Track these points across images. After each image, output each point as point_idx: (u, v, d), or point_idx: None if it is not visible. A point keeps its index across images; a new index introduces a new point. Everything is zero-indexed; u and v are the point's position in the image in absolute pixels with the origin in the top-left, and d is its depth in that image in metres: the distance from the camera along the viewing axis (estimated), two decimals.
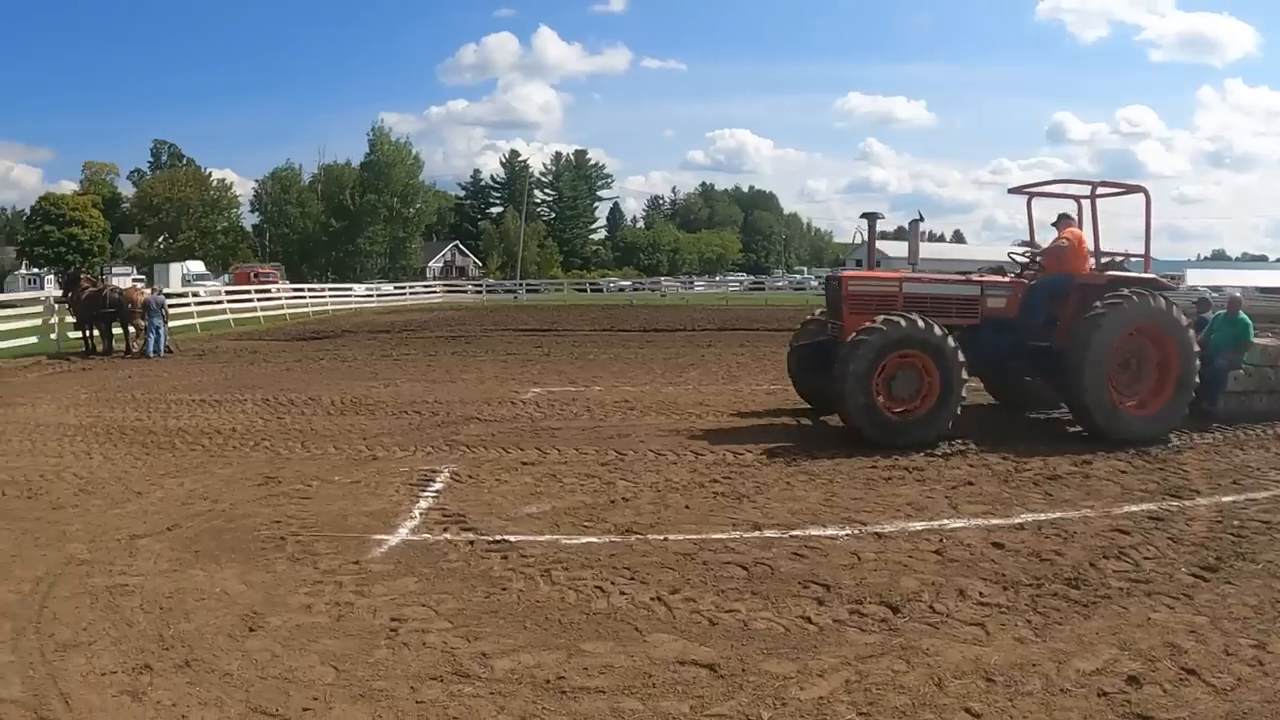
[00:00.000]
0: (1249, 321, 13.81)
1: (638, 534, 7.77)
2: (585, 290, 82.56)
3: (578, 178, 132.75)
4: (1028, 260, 13.40)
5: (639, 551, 7.35)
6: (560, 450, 11.20)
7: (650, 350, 25.64)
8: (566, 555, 7.30)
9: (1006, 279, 12.94)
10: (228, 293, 44.78)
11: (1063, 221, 12.97)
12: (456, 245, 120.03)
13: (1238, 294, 17.94)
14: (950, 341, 11.35)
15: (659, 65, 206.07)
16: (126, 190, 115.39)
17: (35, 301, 29.99)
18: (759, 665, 5.26)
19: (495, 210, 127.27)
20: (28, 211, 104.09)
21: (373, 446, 11.68)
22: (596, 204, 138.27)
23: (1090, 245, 12.97)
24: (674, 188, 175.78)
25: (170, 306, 27.40)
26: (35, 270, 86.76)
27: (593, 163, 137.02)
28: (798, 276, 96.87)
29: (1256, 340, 13.82)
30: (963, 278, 13.01)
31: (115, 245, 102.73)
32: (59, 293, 29.13)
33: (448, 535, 7.91)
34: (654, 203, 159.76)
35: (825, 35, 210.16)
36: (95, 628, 6.03)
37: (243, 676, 5.30)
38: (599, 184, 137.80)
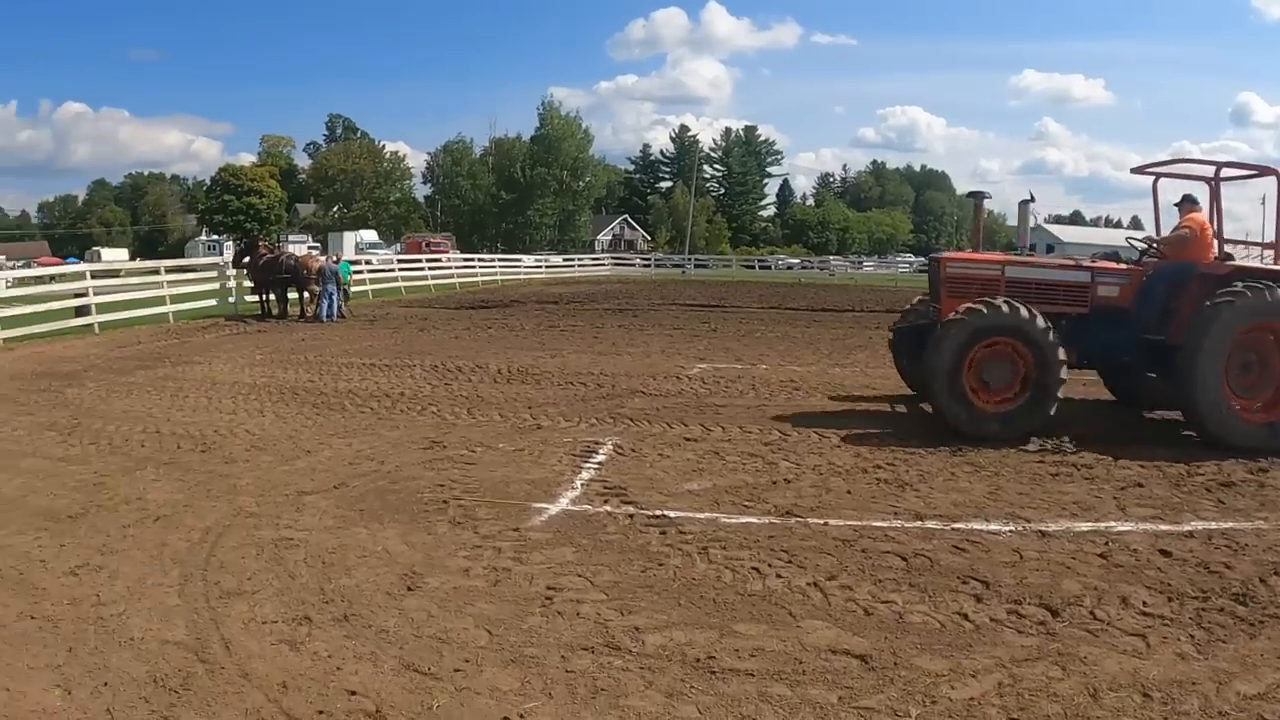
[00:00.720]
0: None
1: (798, 517, 7.66)
2: (753, 267, 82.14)
3: (747, 154, 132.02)
4: (1146, 247, 12.44)
5: (798, 535, 7.24)
6: (724, 428, 11.14)
7: (817, 330, 25.28)
8: (725, 534, 7.25)
9: (1121, 266, 12.04)
10: (399, 261, 46.27)
11: (1185, 205, 11.96)
12: (625, 219, 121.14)
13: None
14: (1048, 330, 10.77)
15: (829, 40, 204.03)
16: (302, 162, 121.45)
17: (214, 266, 31.58)
18: (911, 660, 5.11)
19: (664, 185, 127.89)
20: (208, 182, 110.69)
21: (537, 416, 11.86)
22: (766, 180, 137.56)
23: (1216, 232, 11.77)
24: (844, 165, 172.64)
25: (354, 273, 28.50)
26: (215, 237, 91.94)
27: (762, 139, 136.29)
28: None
29: None
30: (1073, 262, 12.30)
31: (291, 214, 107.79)
32: (231, 258, 30.55)
33: (608, 507, 7.96)
34: (824, 180, 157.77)
35: (1000, 10, 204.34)
36: (259, 578, 6.30)
37: (398, 634, 5.43)
38: (769, 160, 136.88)
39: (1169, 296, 11.29)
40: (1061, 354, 10.74)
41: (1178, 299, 11.18)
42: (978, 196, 12.81)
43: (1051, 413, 10.82)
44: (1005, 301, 10.94)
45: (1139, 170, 13.03)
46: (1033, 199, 13.63)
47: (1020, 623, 5.61)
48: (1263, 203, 11.72)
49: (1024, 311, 10.77)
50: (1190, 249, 11.53)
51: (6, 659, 5.14)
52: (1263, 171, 12.01)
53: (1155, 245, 12.29)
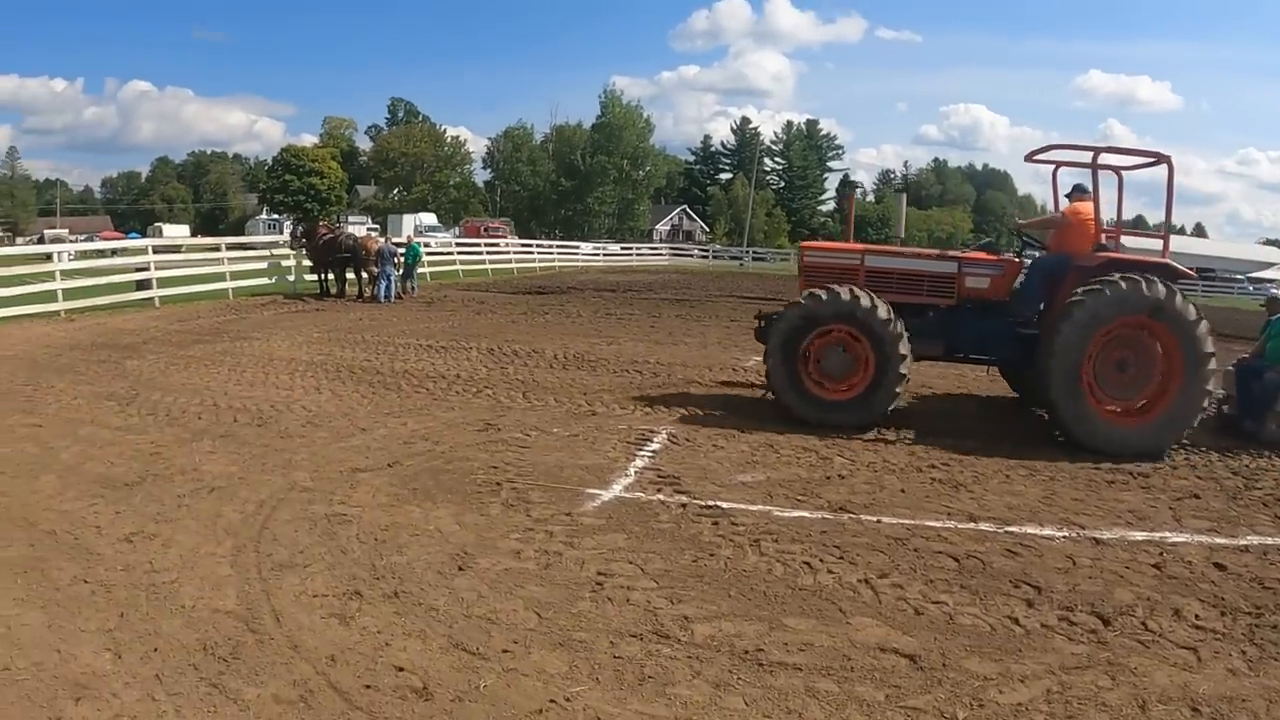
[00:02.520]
0: None
1: (851, 513, 7.62)
2: None
3: (808, 147, 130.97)
4: (1026, 238, 12.34)
5: (850, 531, 7.20)
6: (778, 421, 11.05)
7: None
8: (777, 527, 7.22)
9: (992, 257, 11.73)
10: (457, 245, 46.56)
11: (1075, 194, 11.62)
12: (684, 209, 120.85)
13: (1277, 292, 15.11)
14: (888, 320, 10.61)
15: (894, 36, 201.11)
16: (363, 144, 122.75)
17: (274, 245, 31.97)
18: (960, 662, 5.07)
19: (724, 176, 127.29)
20: (270, 161, 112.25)
21: (592, 402, 11.88)
22: (826, 175, 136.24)
23: (1107, 222, 11.47)
24: (905, 162, 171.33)
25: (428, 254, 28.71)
26: (275, 216, 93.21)
27: (824, 133, 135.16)
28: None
29: None
30: (939, 253, 12.17)
31: (351, 196, 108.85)
32: (287, 237, 30.92)
33: (660, 496, 7.96)
34: (884, 177, 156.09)
35: (1066, 8, 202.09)
36: (311, 552, 6.38)
37: (448, 612, 5.48)
38: (829, 155, 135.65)
39: (1047, 289, 11.09)
40: (903, 345, 10.62)
41: (1055, 292, 10.96)
42: (849, 188, 12.62)
43: (891, 404, 10.84)
44: (847, 289, 10.81)
45: (1030, 158, 12.50)
46: (906, 188, 13.41)
47: (1071, 630, 5.55)
48: None
49: (863, 300, 10.66)
50: (1068, 238, 11.31)
51: (59, 621, 5.25)
52: (1158, 159, 11.55)
53: (1023, 234, 12.32)
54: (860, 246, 12.29)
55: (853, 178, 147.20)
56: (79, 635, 5.09)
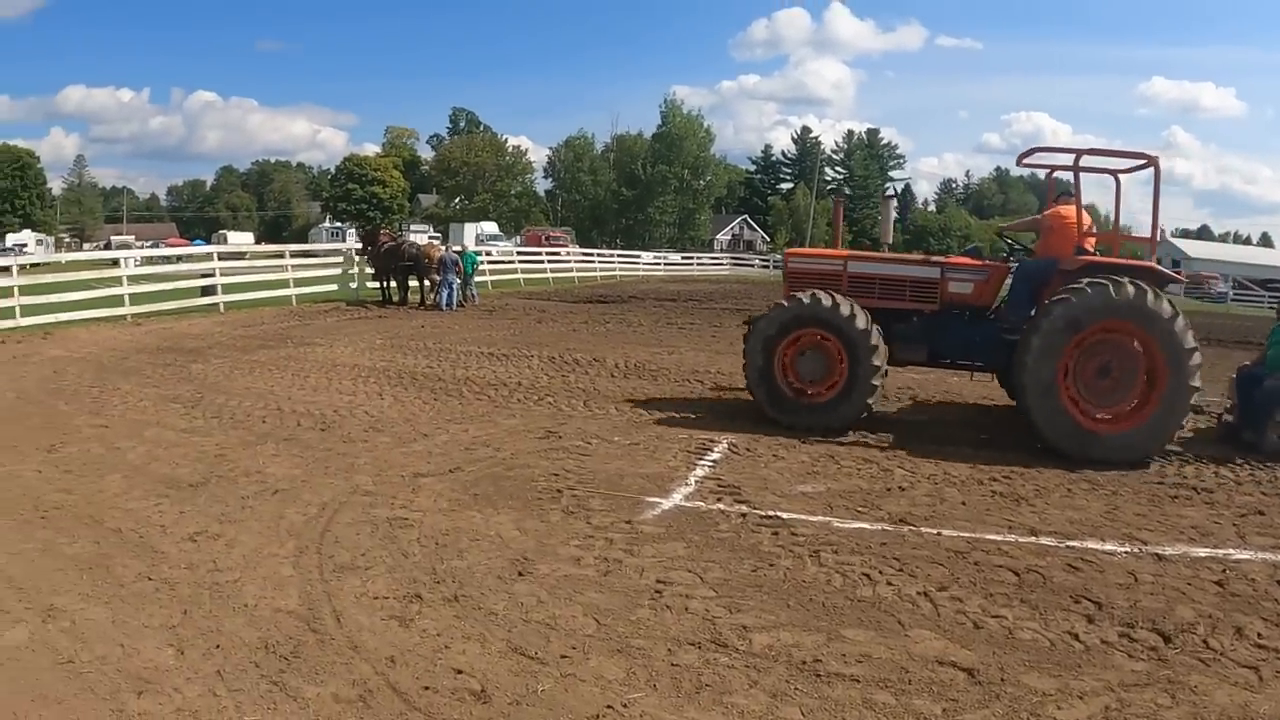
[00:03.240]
0: None
1: (911, 525, 7.57)
2: None
3: (869, 157, 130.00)
4: (1015, 244, 12.23)
5: (910, 543, 7.15)
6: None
7: None
8: (837, 538, 7.18)
9: (976, 263, 11.70)
10: (519, 253, 46.83)
11: (1062, 197, 11.57)
12: (745, 219, 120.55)
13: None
14: (863, 325, 10.77)
15: (954, 44, 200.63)
16: (425, 154, 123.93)
17: (336, 252, 32.39)
18: (1018, 677, 5.01)
19: (785, 186, 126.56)
20: (333, 170, 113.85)
21: (653, 411, 11.89)
22: (888, 185, 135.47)
23: (1102, 224, 11.14)
24: (967, 171, 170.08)
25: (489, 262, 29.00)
26: (338, 224, 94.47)
27: (885, 142, 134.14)
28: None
29: None
30: (921, 258, 12.20)
31: (413, 204, 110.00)
32: (358, 246, 31.28)
33: (721, 505, 7.95)
34: (946, 186, 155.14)
35: (1128, 15, 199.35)
36: (372, 555, 6.46)
37: (507, 617, 5.51)
38: (890, 164, 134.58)
39: (1034, 294, 10.95)
40: (878, 352, 10.76)
41: (1042, 297, 10.80)
42: (838, 194, 12.54)
43: (864, 409, 10.96)
44: (824, 294, 10.99)
45: (1020, 161, 12.42)
46: (896, 194, 13.39)
47: (1131, 646, 5.46)
48: None
49: (839, 305, 10.84)
50: (1053, 243, 11.17)
51: (124, 617, 5.38)
52: (1145, 160, 11.30)
53: (1008, 238, 12.31)
54: (844, 253, 12.30)
55: (914, 186, 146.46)
56: (142, 631, 5.20)
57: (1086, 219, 11.39)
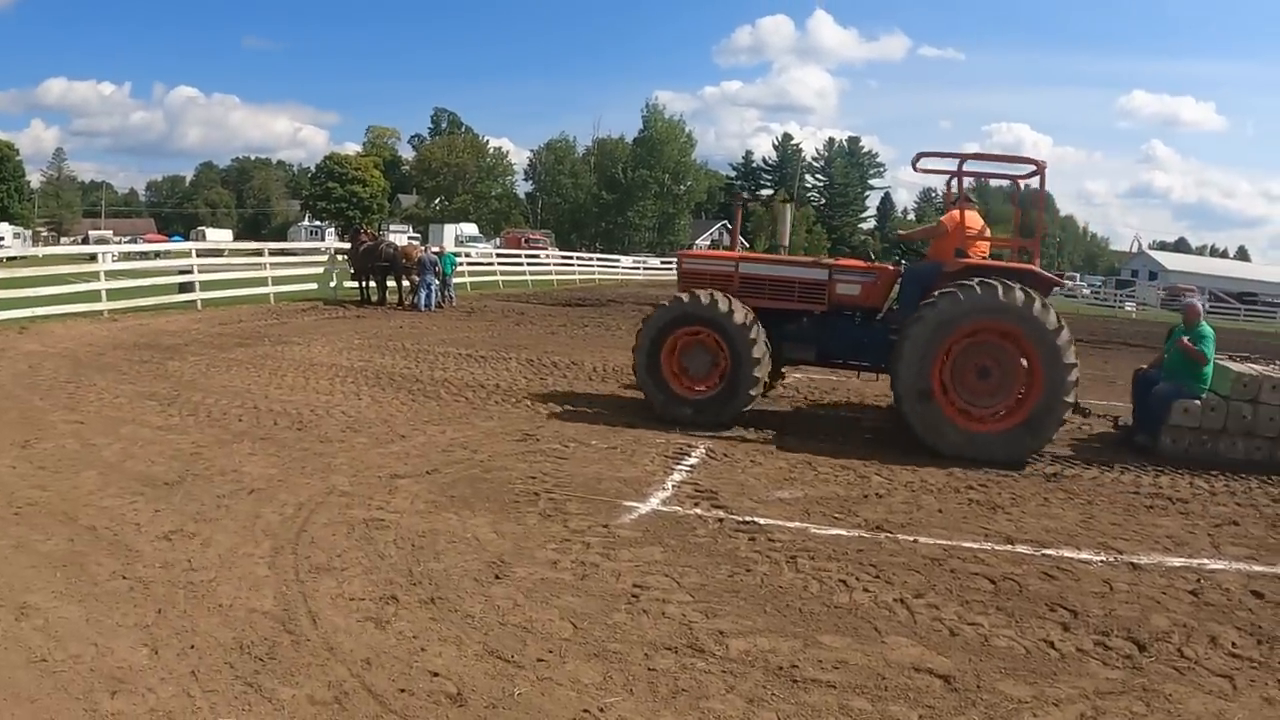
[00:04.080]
0: (1208, 335, 11.35)
1: (888, 532, 7.60)
2: None
3: (850, 165, 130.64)
4: (906, 246, 12.68)
5: (887, 550, 7.18)
6: (817, 437, 11.06)
7: None
8: (814, 544, 7.20)
9: (863, 264, 12.05)
10: (498, 255, 46.78)
11: (960, 202, 11.84)
12: (725, 224, 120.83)
13: (1194, 299, 14.78)
14: (745, 323, 11.18)
15: (937, 54, 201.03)
16: (406, 153, 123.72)
17: (316, 251, 32.26)
18: (995, 684, 5.04)
19: (765, 192, 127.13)
20: (313, 169, 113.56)
21: (631, 415, 11.86)
22: (868, 193, 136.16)
23: (995, 229, 11.56)
24: (948, 180, 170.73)
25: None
26: (317, 223, 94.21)
27: (865, 150, 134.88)
28: (1068, 283, 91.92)
29: (1232, 366, 11.43)
30: (811, 260, 12.61)
31: (393, 204, 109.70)
32: (345, 245, 31.15)
33: (698, 510, 7.96)
34: (926, 195, 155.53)
35: (1110, 28, 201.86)
36: (348, 556, 6.44)
37: (484, 620, 5.51)
38: (871, 172, 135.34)
39: (921, 297, 11.05)
40: (758, 349, 11.15)
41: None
42: (738, 199, 12.91)
43: (746, 404, 11.34)
44: (705, 293, 11.44)
45: (915, 167, 12.39)
46: (791, 199, 13.82)
47: (1106, 655, 5.52)
48: None
49: (718, 302, 11.27)
50: (943, 247, 11.46)
51: (97, 616, 5.34)
52: (1034, 167, 11.63)
53: (900, 239, 12.73)
54: (735, 255, 12.64)
55: (894, 195, 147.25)
56: (116, 630, 5.16)
57: (979, 223, 11.82)
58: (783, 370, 13.58)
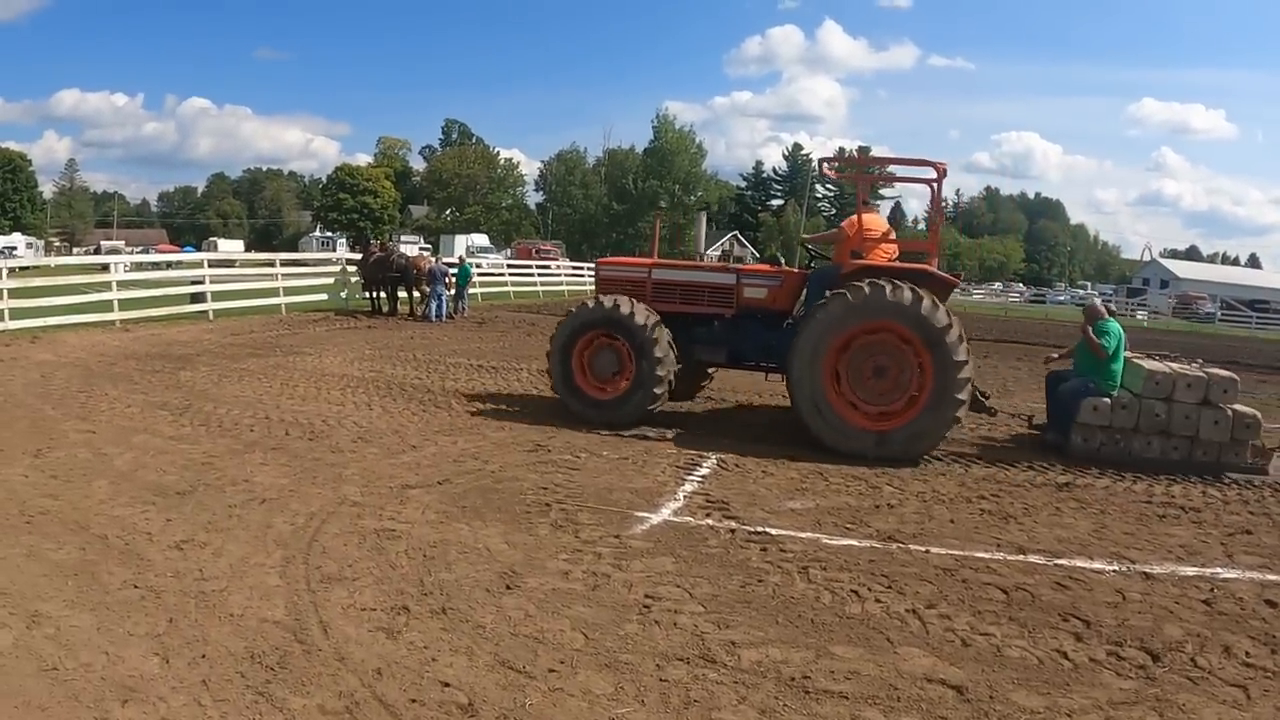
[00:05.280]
0: (1111, 332, 11.37)
1: (899, 542, 7.58)
2: None
3: (860, 174, 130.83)
4: (812, 251, 13.00)
5: (899, 560, 7.16)
6: (828, 448, 10.94)
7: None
8: (826, 555, 7.19)
9: (770, 269, 12.44)
10: (509, 266, 46.89)
11: (866, 207, 12.18)
12: (735, 235, 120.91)
13: (1097, 298, 14.73)
14: (647, 327, 11.62)
15: (946, 64, 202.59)
16: (417, 164, 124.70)
17: (327, 261, 32.36)
18: (1007, 695, 5.01)
19: (775, 202, 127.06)
20: (324, 180, 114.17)
21: (642, 425, 11.83)
22: (878, 203, 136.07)
23: (908, 232, 11.78)
24: (958, 190, 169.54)
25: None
26: (329, 234, 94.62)
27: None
28: (1080, 291, 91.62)
29: (1145, 364, 11.42)
30: (720, 265, 12.87)
31: (404, 215, 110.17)
32: (357, 256, 31.20)
33: (709, 521, 7.95)
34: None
35: (1120, 36, 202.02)
36: (360, 566, 6.43)
37: (495, 630, 5.49)
38: (881, 182, 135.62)
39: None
40: (660, 349, 11.56)
41: None
42: (659, 212, 13.11)
43: (651, 405, 11.72)
44: (610, 298, 12.03)
45: (822, 172, 13.32)
46: (706, 207, 14.09)
47: (1120, 665, 5.48)
48: None
49: (621, 306, 11.77)
50: (844, 251, 11.83)
51: (109, 625, 5.34)
52: (934, 173, 11.79)
53: (808, 247, 13.01)
54: (649, 261, 12.97)
55: (904, 204, 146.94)
56: (128, 639, 5.16)
57: (882, 227, 12.32)
58: (709, 372, 14.11)
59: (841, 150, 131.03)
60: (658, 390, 11.63)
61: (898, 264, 11.52)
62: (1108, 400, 10.98)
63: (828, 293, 10.96)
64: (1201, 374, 10.91)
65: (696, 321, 12.22)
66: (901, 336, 10.61)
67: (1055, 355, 12.98)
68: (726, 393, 14.94)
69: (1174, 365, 11.48)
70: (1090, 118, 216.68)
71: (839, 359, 10.84)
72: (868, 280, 10.70)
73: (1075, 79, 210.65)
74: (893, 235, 12.24)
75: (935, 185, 11.73)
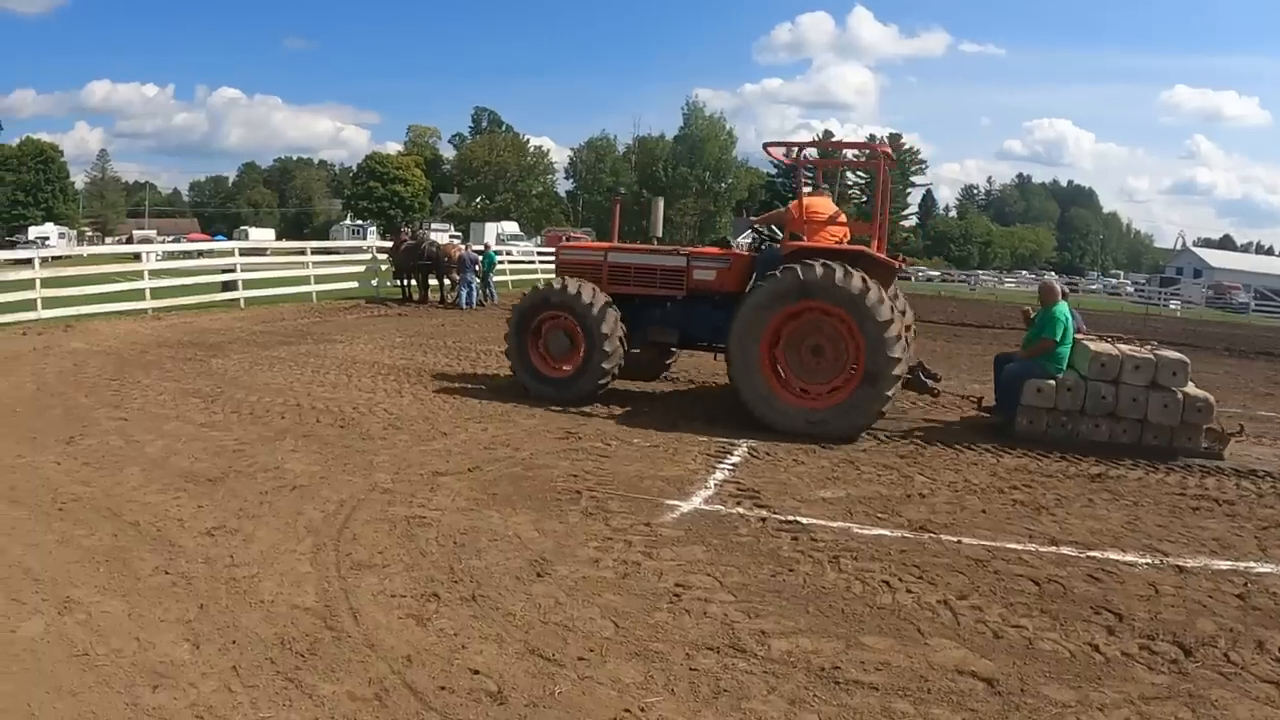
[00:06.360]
0: (1059, 317, 11.26)
1: (931, 533, 7.53)
2: None
3: (804, 160, 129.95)
4: (765, 232, 13.21)
5: (930, 551, 7.11)
6: (860, 437, 10.95)
7: (956, 345, 24.54)
8: (857, 545, 7.16)
9: (719, 251, 12.79)
10: (539, 253, 46.89)
11: (814, 191, 12.68)
12: (752, 225, 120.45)
13: (1051, 278, 14.56)
14: (596, 307, 12.08)
15: (978, 50, 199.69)
16: (447, 152, 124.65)
17: (358, 249, 32.49)
18: (1039, 688, 4.97)
19: (806, 190, 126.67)
20: (355, 168, 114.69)
21: (673, 414, 11.86)
22: (909, 190, 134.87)
23: (852, 214, 12.18)
24: (989, 178, 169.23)
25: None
26: (359, 222, 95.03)
27: (907, 147, 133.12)
28: (1112, 281, 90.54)
29: (1091, 345, 11.32)
30: (671, 249, 13.31)
31: (435, 203, 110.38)
32: (387, 244, 31.28)
33: (740, 509, 7.93)
34: (968, 192, 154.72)
35: (1152, 23, 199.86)
36: (390, 553, 6.46)
37: (525, 618, 5.50)
38: (912, 170, 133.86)
39: None
40: (608, 328, 12.04)
41: None
42: (613, 194, 13.34)
43: (600, 383, 12.27)
44: (562, 280, 12.63)
45: (768, 153, 13.25)
46: (743, 201, 14.42)
47: (1152, 659, 5.42)
48: None
49: (569, 288, 12.29)
50: (786, 233, 12.27)
51: (140, 610, 5.39)
52: (874, 153, 12.55)
53: (754, 225, 13.38)
54: (605, 245, 13.60)
55: (935, 192, 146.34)
56: (158, 625, 5.21)
57: (829, 209, 12.48)
58: (671, 353, 14.41)
59: (872, 137, 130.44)
60: (605, 366, 12.13)
61: (834, 245, 11.72)
62: (1052, 382, 10.93)
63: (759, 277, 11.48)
64: (1150, 356, 10.84)
65: (651, 303, 12.65)
66: (831, 315, 10.96)
67: (1029, 309, 12.88)
68: None
69: (1123, 347, 11.40)
70: (1122, 105, 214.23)
71: (775, 339, 11.21)
72: (799, 262, 11.03)
73: (1107, 65, 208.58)
74: (841, 218, 12.56)
75: (880, 168, 12.19)
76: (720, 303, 12.15)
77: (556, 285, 12.43)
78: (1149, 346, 11.56)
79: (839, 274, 10.69)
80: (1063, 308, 11.39)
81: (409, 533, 6.87)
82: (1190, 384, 10.82)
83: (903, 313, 12.15)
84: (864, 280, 10.70)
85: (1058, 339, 11.11)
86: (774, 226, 13.15)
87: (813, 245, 11.52)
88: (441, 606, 5.60)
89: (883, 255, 11.71)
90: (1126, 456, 10.40)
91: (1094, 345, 11.31)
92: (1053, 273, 64.76)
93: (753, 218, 14.04)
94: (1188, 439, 10.56)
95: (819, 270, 10.77)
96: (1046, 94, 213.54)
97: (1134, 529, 7.96)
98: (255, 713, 4.36)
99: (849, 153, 16.49)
